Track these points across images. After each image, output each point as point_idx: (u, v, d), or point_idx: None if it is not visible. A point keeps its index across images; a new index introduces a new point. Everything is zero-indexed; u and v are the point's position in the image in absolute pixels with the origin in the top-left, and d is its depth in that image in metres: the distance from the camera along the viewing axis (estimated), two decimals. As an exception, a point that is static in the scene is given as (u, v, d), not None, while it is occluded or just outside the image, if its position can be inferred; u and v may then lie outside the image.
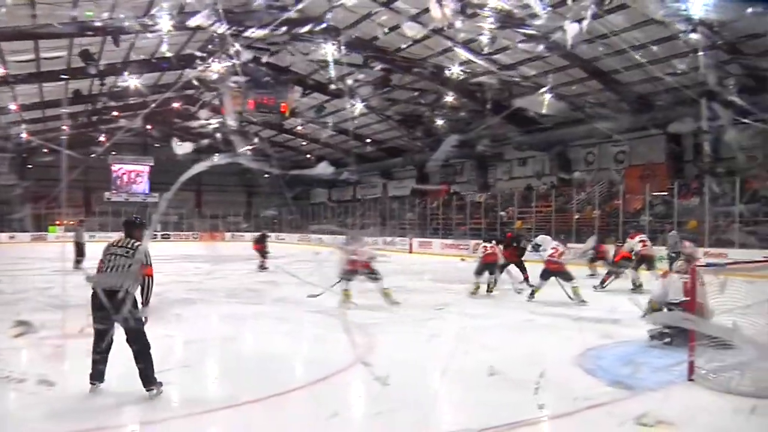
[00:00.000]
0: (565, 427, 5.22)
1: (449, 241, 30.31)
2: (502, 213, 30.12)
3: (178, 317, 9.98)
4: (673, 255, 15.27)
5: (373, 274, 11.44)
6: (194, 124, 33.92)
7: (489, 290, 13.18)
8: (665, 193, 23.39)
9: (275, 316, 10.40)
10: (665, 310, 8.21)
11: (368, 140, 38.57)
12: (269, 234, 21.75)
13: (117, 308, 5.48)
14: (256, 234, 20.74)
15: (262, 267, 18.96)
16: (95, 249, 7.22)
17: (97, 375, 5.76)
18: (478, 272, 12.97)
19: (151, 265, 5.77)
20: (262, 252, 19.38)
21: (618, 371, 6.68)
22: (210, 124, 29.59)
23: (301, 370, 7.19)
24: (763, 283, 6.59)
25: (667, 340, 7.75)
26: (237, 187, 51.21)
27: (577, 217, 25.88)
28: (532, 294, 12.00)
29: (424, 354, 7.66)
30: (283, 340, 8.56)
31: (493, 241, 13.49)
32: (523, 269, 13.93)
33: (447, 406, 5.69)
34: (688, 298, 7.74)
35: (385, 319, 9.84)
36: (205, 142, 25.44)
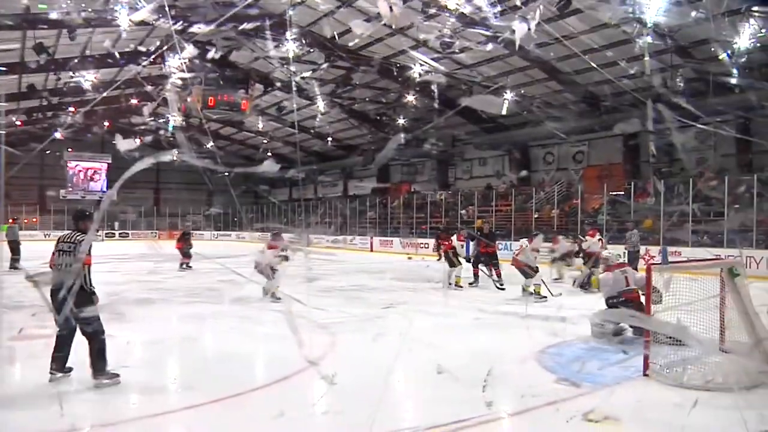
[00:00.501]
0: (513, 423, 5.27)
1: (409, 240, 30.42)
2: (463, 212, 30.33)
3: (136, 317, 9.86)
4: (633, 252, 15.61)
5: (271, 272, 11.65)
6: (140, 119, 33.19)
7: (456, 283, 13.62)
8: (622, 193, 23.83)
9: (235, 315, 10.31)
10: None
11: (329, 138, 38.47)
12: (192, 232, 21.09)
13: (59, 307, 5.63)
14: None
15: (184, 266, 18.52)
16: (46, 248, 7.11)
17: (59, 366, 5.92)
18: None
19: (90, 255, 5.93)
20: (184, 251, 18.90)
21: (569, 368, 6.78)
22: (157, 119, 29.26)
23: (261, 370, 7.16)
24: (709, 281, 6.76)
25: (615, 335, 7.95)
26: (197, 186, 50.60)
27: (536, 216, 26.21)
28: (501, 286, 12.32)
29: (375, 353, 7.67)
30: (243, 339, 8.50)
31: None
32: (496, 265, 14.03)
33: (395, 405, 5.68)
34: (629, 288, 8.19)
35: (347, 319, 9.85)
36: (152, 138, 25.14)
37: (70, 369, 6.03)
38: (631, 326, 7.93)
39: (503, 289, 13.24)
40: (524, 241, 12.91)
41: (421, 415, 5.40)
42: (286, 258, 11.99)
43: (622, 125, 21.20)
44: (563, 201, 26.92)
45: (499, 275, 13.75)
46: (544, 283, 12.21)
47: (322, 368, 6.15)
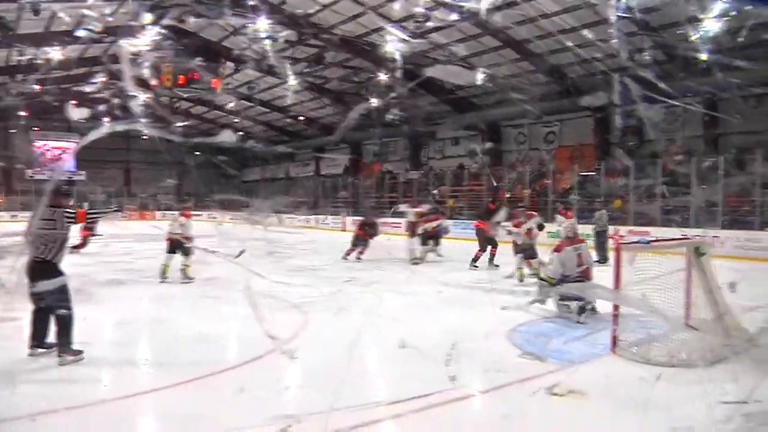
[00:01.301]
0: (477, 398, 5.31)
1: (383, 219, 30.42)
2: (435, 191, 30.39)
3: (105, 298, 9.78)
4: (600, 232, 15.78)
5: (184, 248, 11.56)
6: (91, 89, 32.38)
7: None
8: (593, 173, 24.02)
9: (206, 295, 10.25)
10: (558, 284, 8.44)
11: (301, 117, 38.16)
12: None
13: (35, 277, 5.67)
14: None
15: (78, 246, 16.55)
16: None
17: (38, 342, 6.01)
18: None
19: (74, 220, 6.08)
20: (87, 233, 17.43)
21: (534, 344, 6.89)
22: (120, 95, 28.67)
23: (233, 350, 7.13)
24: (677, 260, 6.88)
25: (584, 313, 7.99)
26: (168, 165, 50.00)
27: (508, 195, 26.33)
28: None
29: (342, 330, 7.67)
30: (214, 319, 8.46)
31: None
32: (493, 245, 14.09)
33: (358, 380, 5.64)
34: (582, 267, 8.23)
35: (318, 298, 9.85)
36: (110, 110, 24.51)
37: (52, 345, 5.97)
38: (583, 306, 7.98)
39: (497, 266, 13.42)
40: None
41: (384, 390, 5.43)
42: None
43: (589, 98, 21.43)
44: (535, 181, 27.09)
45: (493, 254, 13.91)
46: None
47: (284, 344, 6.15)
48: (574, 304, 7.99)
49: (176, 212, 12.38)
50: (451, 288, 11.00)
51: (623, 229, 19.65)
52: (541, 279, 9.07)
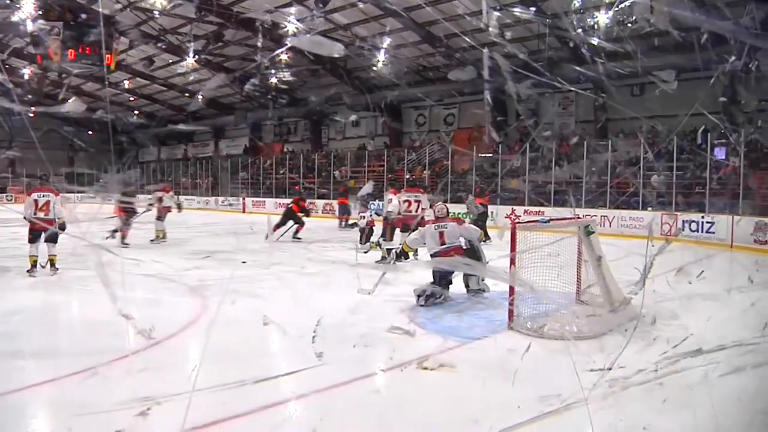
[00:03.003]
0: (343, 371, 5.29)
1: (282, 201, 30.22)
2: (336, 172, 30.37)
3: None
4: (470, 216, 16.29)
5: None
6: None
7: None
8: (491, 155, 24.64)
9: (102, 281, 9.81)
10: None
11: (199, 95, 37.06)
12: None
13: None
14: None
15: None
16: None
17: None
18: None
19: None
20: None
21: (402, 317, 7.18)
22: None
23: (130, 337, 6.86)
24: (569, 237, 7.20)
25: (433, 299, 7.98)
26: (58, 144, 47.42)
27: (408, 176, 26.66)
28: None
29: (242, 314, 7.46)
30: (109, 306, 8.10)
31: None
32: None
33: (221, 358, 5.54)
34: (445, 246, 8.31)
35: (217, 281, 9.70)
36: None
37: None
38: (432, 294, 8.02)
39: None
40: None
41: (249, 367, 5.34)
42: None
43: (457, 72, 21.98)
44: (434, 162, 27.53)
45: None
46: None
47: (142, 325, 5.97)
48: (420, 289, 8.01)
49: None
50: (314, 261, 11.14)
51: (519, 210, 20.35)
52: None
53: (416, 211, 12.49)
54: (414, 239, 8.83)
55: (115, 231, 13.72)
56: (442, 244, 8.31)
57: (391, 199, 12.67)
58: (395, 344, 6.04)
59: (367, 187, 13.27)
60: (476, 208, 15.71)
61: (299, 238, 15.92)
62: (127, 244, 13.88)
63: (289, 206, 16.73)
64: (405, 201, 12.88)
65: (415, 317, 7.26)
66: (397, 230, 12.33)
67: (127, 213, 13.94)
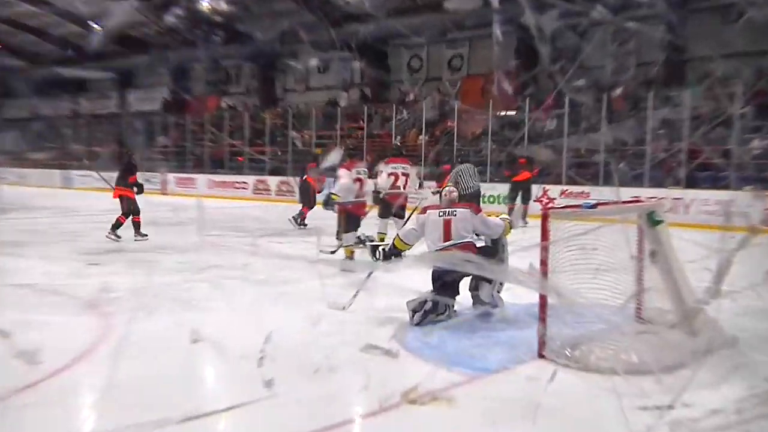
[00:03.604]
0: (295, 405, 5.36)
1: (219, 178, 30.18)
2: (295, 135, 30.30)
3: None
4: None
5: None
6: None
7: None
8: (513, 113, 24.63)
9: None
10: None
11: (97, 25, 36.62)
12: None
13: None
14: None
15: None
16: None
17: None
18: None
19: None
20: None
21: (430, 348, 7.07)
22: None
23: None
24: (622, 231, 7.12)
25: (433, 315, 7.97)
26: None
27: (397, 142, 26.61)
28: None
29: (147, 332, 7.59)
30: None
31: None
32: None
33: (133, 392, 5.60)
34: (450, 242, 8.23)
35: (125, 292, 9.72)
36: None
37: None
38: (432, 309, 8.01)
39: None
40: None
41: (171, 402, 5.38)
42: None
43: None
44: (434, 123, 27.48)
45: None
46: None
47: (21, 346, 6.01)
48: (415, 302, 7.97)
49: None
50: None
51: (554, 190, 20.44)
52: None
53: (403, 188, 12.95)
54: (410, 231, 8.77)
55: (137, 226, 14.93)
56: (447, 238, 8.26)
57: (340, 176, 12.69)
58: (372, 369, 6.06)
59: (333, 157, 13.22)
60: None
61: (305, 225, 16.73)
62: (145, 235, 14.97)
63: (304, 178, 17.70)
64: (391, 174, 13.14)
65: (402, 335, 7.27)
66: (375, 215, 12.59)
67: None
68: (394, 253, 8.86)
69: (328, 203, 12.67)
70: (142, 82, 41.82)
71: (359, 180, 12.59)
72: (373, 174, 13.75)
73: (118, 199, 14.93)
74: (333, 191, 12.48)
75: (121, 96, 42.84)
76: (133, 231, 14.76)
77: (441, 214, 8.35)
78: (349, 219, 12.38)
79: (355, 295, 8.45)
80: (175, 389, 5.77)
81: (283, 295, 9.81)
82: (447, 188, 8.94)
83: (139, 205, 15.05)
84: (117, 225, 14.85)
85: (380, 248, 9.23)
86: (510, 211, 17.42)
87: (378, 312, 8.17)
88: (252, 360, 6.18)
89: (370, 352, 6.53)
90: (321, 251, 12.66)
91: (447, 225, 8.27)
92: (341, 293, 8.70)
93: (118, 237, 14.72)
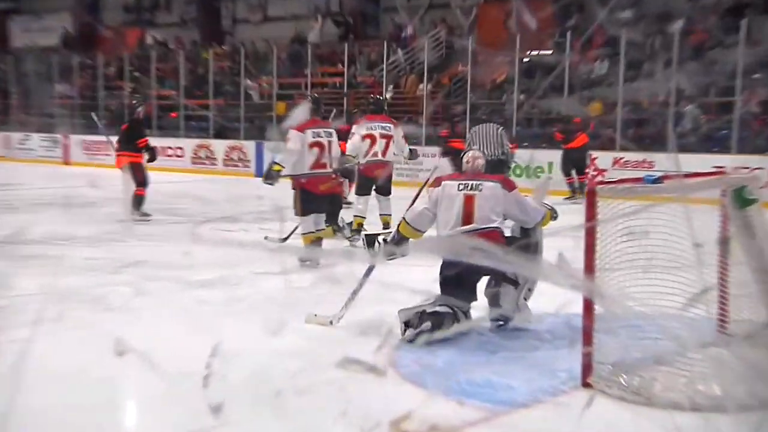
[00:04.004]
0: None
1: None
2: (249, 83, 30.33)
3: None
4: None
5: None
6: None
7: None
8: (549, 52, 24.67)
9: None
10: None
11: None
12: None
13: None
14: None
15: None
16: None
17: None
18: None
19: None
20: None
21: (434, 375, 7.05)
22: None
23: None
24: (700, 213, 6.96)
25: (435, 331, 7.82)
26: None
27: (389, 94, 26.59)
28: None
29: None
30: None
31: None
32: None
33: (36, 421, 5.78)
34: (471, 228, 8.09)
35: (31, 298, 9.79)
36: None
37: None
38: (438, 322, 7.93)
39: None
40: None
41: None
42: None
43: None
44: (440, 68, 27.52)
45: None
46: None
47: None
48: (409, 312, 7.96)
49: None
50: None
51: (604, 158, 20.52)
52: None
53: (384, 155, 13.26)
54: (422, 213, 8.50)
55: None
56: (468, 222, 8.14)
57: (288, 139, 12.75)
58: (351, 391, 6.08)
59: (298, 114, 13.19)
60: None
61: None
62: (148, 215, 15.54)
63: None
64: (366, 136, 13.36)
65: (394, 350, 7.36)
66: (352, 192, 12.90)
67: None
68: (399, 243, 8.65)
69: (268, 175, 12.59)
70: (34, 6, 41.60)
71: (318, 145, 12.51)
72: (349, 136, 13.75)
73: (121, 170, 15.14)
74: (276, 160, 12.56)
75: (2, 26, 42.60)
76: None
77: (461, 187, 8.16)
78: (306, 197, 12.47)
79: (346, 305, 8.41)
80: (90, 420, 5.84)
81: (234, 299, 9.85)
82: (471, 152, 8.72)
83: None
84: (138, 201, 15.30)
85: (379, 237, 9.06)
86: (570, 186, 18.13)
87: (361, 317, 8.21)
88: (195, 379, 6.17)
89: (349, 369, 6.42)
90: (266, 238, 12.97)
91: (469, 203, 8.08)
92: (315, 295, 8.79)
93: (148, 215, 15.29)
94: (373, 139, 13.26)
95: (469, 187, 8.08)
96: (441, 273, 8.09)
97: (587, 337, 6.60)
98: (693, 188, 7.23)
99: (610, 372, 6.63)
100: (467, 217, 8.01)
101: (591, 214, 6.56)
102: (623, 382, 6.50)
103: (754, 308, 7.12)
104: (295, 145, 12.27)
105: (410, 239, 8.55)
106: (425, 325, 7.71)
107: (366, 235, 11.27)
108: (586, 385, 6.58)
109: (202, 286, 10.67)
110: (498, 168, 14.74)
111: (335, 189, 12.71)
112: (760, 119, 19.86)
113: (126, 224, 15.21)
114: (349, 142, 13.57)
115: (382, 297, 8.61)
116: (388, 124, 13.70)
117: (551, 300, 8.01)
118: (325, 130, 12.70)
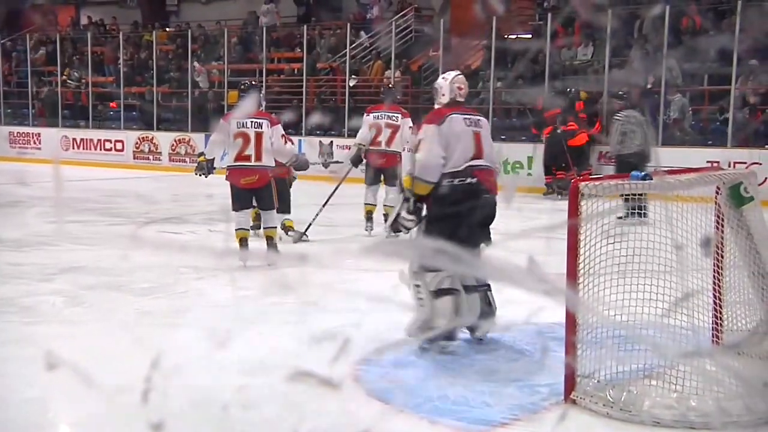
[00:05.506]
0: None
1: (80, 134, 30.15)
2: (197, 68, 30.35)
3: None
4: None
5: None
6: None
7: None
8: (528, 35, 24.79)
9: None
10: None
11: None
12: None
13: None
14: None
15: None
16: None
17: None
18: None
19: None
20: None
21: (400, 389, 7.05)
22: None
23: None
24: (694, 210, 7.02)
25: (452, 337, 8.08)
26: None
27: (353, 80, 26.63)
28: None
29: None
30: None
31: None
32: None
33: None
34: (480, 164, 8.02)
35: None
36: None
37: None
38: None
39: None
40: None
41: None
42: None
43: None
44: (410, 52, 27.60)
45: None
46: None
47: None
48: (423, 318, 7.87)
49: None
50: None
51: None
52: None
53: (389, 146, 13.60)
54: (434, 158, 7.90)
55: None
56: (478, 156, 8.03)
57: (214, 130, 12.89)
58: (303, 406, 6.12)
59: (248, 104, 13.18)
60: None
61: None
62: None
63: None
64: (373, 126, 13.76)
65: (349, 359, 7.24)
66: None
67: None
68: (417, 205, 8.17)
69: (198, 167, 12.78)
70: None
71: (242, 135, 12.42)
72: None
73: None
74: (204, 150, 12.83)
75: None
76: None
77: (468, 122, 8.08)
78: (232, 191, 12.51)
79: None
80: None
81: (178, 308, 9.96)
82: (460, 76, 8.67)
83: None
84: None
85: (403, 206, 8.37)
86: (548, 185, 19.04)
87: (315, 327, 8.30)
88: (133, 393, 6.17)
89: (301, 381, 6.47)
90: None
91: (477, 139, 8.05)
92: (265, 304, 8.86)
93: None
94: (378, 128, 13.60)
95: (473, 123, 8.09)
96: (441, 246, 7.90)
97: (569, 349, 6.60)
98: (684, 185, 7.22)
99: (595, 387, 6.65)
100: (479, 152, 7.97)
101: (574, 210, 6.52)
102: (609, 398, 6.52)
103: (750, 316, 7.17)
104: (216, 136, 12.69)
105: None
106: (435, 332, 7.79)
107: (387, 217, 11.45)
108: (569, 400, 6.58)
109: (143, 294, 10.71)
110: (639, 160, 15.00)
111: (261, 182, 12.51)
112: (759, 110, 19.90)
113: (58, 226, 15.15)
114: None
115: (338, 306, 8.78)
116: (396, 114, 13.97)
117: (522, 307, 8.13)
118: (254, 120, 12.57)
